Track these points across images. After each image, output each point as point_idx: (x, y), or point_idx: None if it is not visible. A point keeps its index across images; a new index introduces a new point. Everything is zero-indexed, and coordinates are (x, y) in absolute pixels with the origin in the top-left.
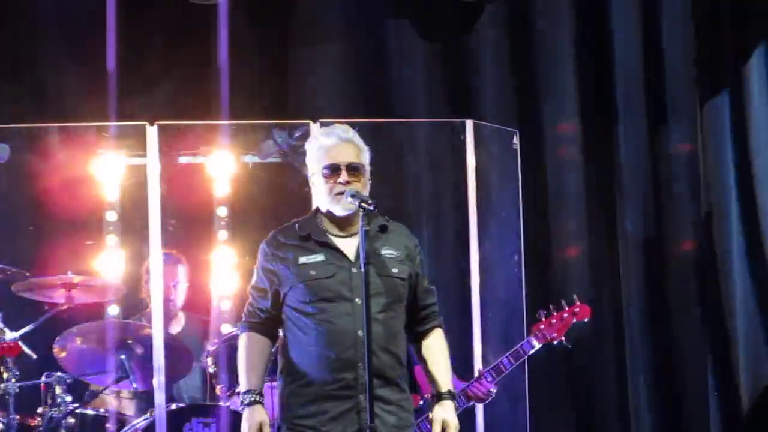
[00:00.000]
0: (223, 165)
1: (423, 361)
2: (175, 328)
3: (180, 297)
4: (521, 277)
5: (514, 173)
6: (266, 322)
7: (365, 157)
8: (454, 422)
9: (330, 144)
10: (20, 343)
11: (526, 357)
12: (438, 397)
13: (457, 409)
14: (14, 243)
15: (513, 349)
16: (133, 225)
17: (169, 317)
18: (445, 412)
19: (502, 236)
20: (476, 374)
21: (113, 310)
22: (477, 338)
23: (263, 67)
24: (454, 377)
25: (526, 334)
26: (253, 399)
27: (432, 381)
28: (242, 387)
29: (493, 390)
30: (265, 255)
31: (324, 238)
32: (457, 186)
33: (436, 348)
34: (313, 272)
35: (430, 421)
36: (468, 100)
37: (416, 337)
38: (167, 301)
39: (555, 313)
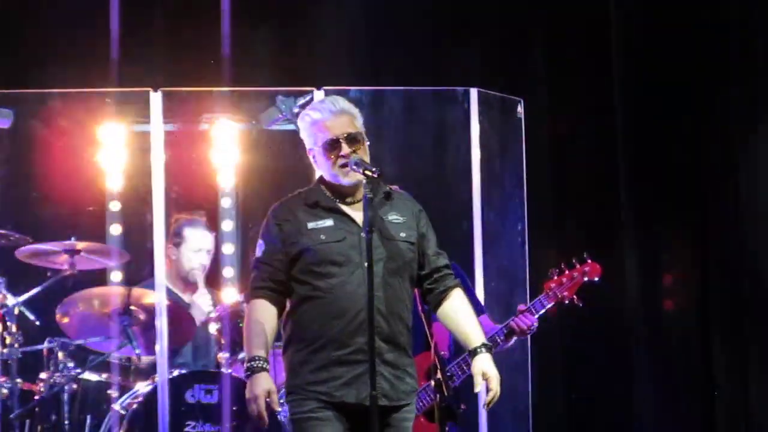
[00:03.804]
0: (226, 132)
1: (449, 322)
2: (189, 296)
3: (206, 265)
4: (525, 246)
5: (519, 142)
6: (274, 290)
7: (360, 123)
8: (494, 373)
9: (323, 118)
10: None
11: (537, 316)
12: (474, 352)
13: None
14: (17, 209)
15: (526, 307)
16: (137, 192)
17: (195, 287)
18: (484, 364)
19: (505, 205)
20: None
21: (116, 277)
22: None
23: (267, 33)
24: (489, 321)
25: (529, 302)
26: (259, 366)
27: (464, 339)
28: (248, 354)
29: (536, 324)
30: (273, 222)
31: (332, 204)
32: (461, 154)
33: (460, 307)
34: (323, 236)
35: (434, 388)
36: (473, 68)
37: (435, 299)
38: (202, 267)
39: (566, 272)
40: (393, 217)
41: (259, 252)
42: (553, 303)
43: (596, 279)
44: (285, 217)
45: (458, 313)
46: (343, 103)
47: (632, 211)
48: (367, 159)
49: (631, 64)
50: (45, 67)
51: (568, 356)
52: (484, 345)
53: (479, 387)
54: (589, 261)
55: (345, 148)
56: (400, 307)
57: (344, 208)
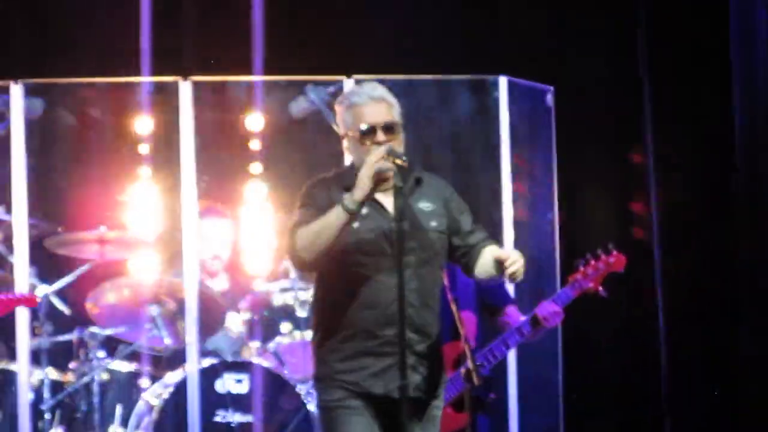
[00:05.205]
0: (255, 121)
1: (482, 262)
2: (219, 286)
3: (226, 253)
4: (555, 235)
5: (549, 131)
6: None
7: (397, 112)
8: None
9: (361, 104)
10: (37, 296)
11: (562, 306)
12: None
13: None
14: (47, 198)
15: (551, 298)
16: (166, 180)
17: (213, 273)
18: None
19: (535, 194)
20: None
21: (146, 266)
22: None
23: (297, 22)
24: (518, 312)
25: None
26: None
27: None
28: (327, 215)
29: (562, 315)
30: (313, 193)
31: None
32: (491, 143)
33: (491, 250)
34: (356, 225)
35: (465, 377)
36: (503, 57)
37: (471, 263)
38: (215, 258)
39: (591, 263)
40: (423, 204)
41: (298, 217)
42: (578, 294)
43: (621, 270)
44: (323, 191)
45: (487, 252)
46: (382, 90)
47: (662, 199)
48: (401, 150)
49: (660, 50)
50: (74, 57)
51: (597, 345)
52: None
53: (498, 256)
54: (614, 252)
55: (380, 136)
56: (431, 297)
57: (376, 195)
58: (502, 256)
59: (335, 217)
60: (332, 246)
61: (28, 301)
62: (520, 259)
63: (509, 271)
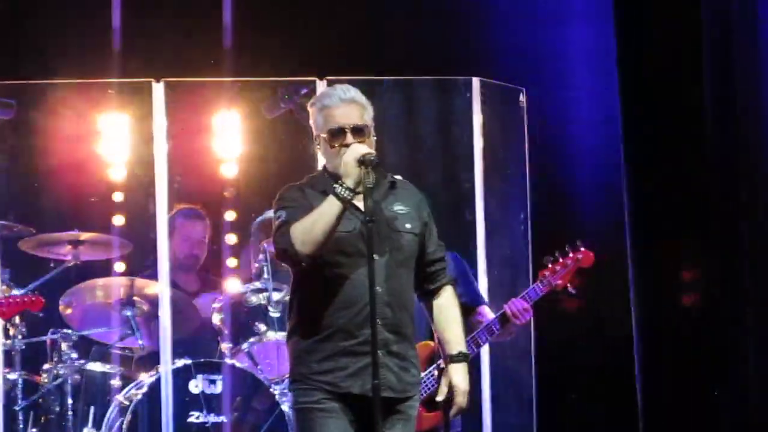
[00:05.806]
0: (228, 122)
1: (434, 321)
2: (194, 286)
3: (201, 253)
4: (527, 234)
5: (521, 131)
6: None
7: (369, 115)
8: (463, 387)
9: (332, 105)
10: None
11: (531, 303)
12: (450, 359)
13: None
14: (20, 200)
15: (520, 295)
16: (140, 181)
17: (191, 272)
18: (455, 376)
19: (508, 194)
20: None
21: (119, 267)
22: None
23: (270, 23)
24: (489, 312)
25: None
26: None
27: (444, 342)
28: (321, 207)
29: (530, 312)
30: (291, 192)
31: None
32: (464, 144)
33: (448, 307)
34: None
35: (437, 377)
36: (475, 58)
37: (426, 294)
38: (192, 256)
39: (560, 260)
40: (398, 207)
41: (284, 217)
42: (547, 291)
43: (589, 266)
44: (300, 196)
45: (443, 314)
46: (354, 92)
47: (634, 201)
48: (372, 151)
49: (638, 52)
50: (47, 58)
51: (570, 346)
52: (461, 354)
53: (442, 396)
54: (582, 249)
55: (350, 138)
56: (406, 298)
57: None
58: (457, 389)
59: (329, 207)
60: (330, 237)
61: (34, 303)
62: (462, 404)
63: (452, 411)
